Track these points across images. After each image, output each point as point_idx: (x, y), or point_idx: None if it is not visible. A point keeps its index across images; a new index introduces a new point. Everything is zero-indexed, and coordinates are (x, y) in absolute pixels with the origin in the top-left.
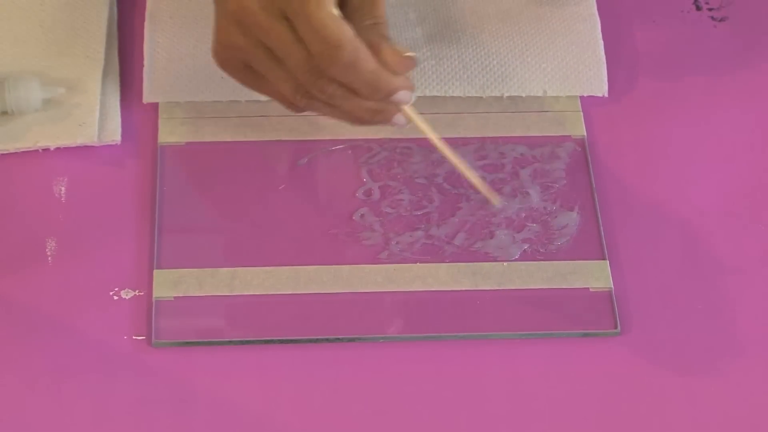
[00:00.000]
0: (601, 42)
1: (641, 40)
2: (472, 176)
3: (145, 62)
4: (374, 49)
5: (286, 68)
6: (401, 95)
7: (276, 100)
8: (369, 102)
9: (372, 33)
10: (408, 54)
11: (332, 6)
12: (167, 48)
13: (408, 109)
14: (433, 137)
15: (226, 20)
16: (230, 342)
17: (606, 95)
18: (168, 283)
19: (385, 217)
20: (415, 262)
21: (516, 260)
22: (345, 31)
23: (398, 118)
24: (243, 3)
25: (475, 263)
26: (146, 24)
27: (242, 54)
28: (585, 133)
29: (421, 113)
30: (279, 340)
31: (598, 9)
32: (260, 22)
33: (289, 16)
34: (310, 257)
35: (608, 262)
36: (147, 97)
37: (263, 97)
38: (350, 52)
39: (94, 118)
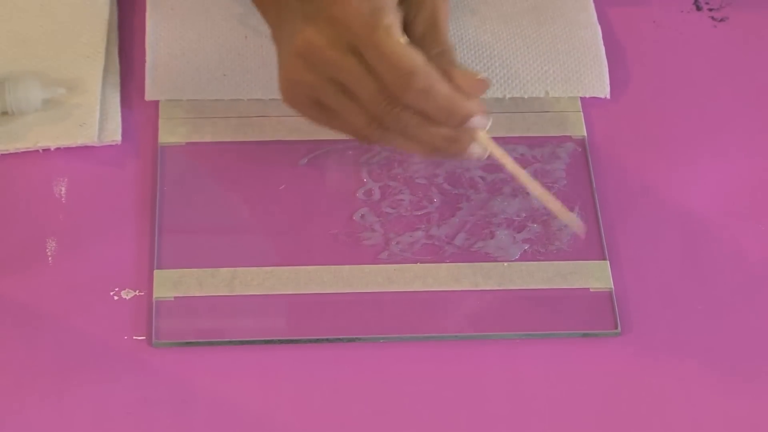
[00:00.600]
0: (602, 46)
1: (642, 40)
2: (555, 205)
3: (147, 57)
4: (446, 75)
5: (358, 101)
6: (477, 120)
7: (348, 134)
8: (444, 129)
9: (441, 61)
10: (480, 77)
11: (400, 34)
12: (169, 42)
13: (483, 135)
14: (512, 166)
15: (292, 57)
16: (230, 342)
17: (607, 96)
18: (168, 283)
19: (385, 217)
20: (416, 263)
21: (516, 260)
22: (416, 58)
23: (474, 147)
24: (310, 39)
25: (475, 263)
26: (148, 17)
27: (311, 90)
28: (585, 134)
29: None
30: (279, 340)
31: (599, 8)
32: (329, 58)
33: (358, 49)
34: (310, 257)
35: (608, 262)
36: (149, 95)
37: (264, 96)
38: (424, 77)
39: (94, 119)
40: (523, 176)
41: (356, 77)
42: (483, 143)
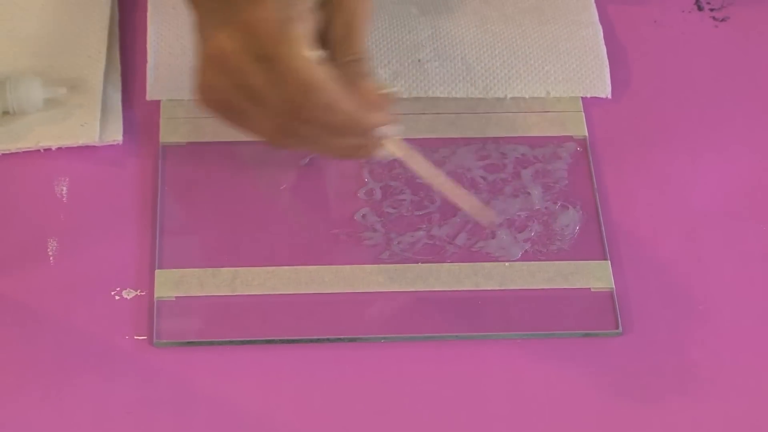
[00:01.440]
0: (603, 46)
1: (642, 40)
2: (465, 200)
3: (149, 57)
4: (353, 87)
5: (265, 109)
6: (383, 130)
7: (258, 138)
8: (349, 140)
9: (351, 69)
10: (386, 91)
11: (305, 48)
12: (171, 42)
13: (392, 142)
14: (419, 166)
15: (204, 62)
16: (231, 342)
17: (609, 96)
18: (169, 283)
19: (386, 217)
20: (417, 262)
21: (517, 260)
22: (317, 74)
23: (380, 155)
24: (220, 45)
25: (476, 263)
26: (149, 16)
27: (222, 95)
28: (586, 134)
29: (407, 142)
30: (280, 340)
31: (601, 9)
32: (237, 65)
33: (264, 59)
34: (311, 257)
35: (610, 262)
36: (150, 95)
37: None
38: (324, 95)
39: (95, 118)
40: (433, 175)
41: (262, 86)
42: (390, 149)
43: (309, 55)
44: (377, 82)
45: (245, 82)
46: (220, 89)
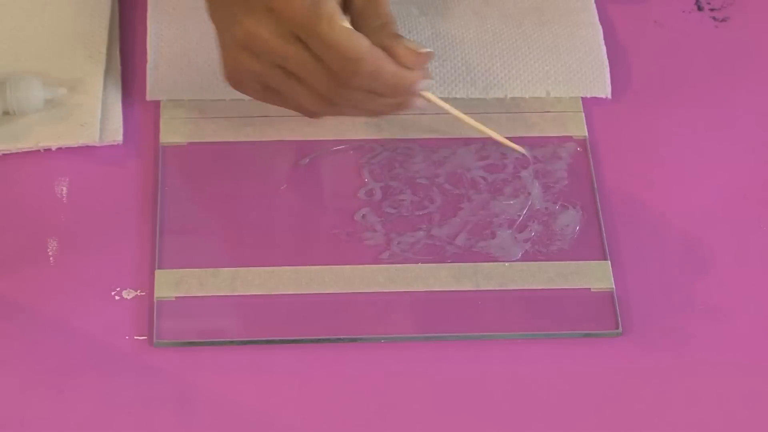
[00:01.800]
0: (603, 46)
1: (643, 40)
2: (497, 135)
3: (149, 57)
4: (390, 51)
5: (306, 85)
6: (421, 84)
7: (296, 111)
8: (391, 99)
9: (383, 34)
10: (423, 50)
11: (342, 20)
12: (170, 42)
13: (426, 93)
14: (453, 110)
15: (234, 48)
16: (231, 342)
17: (609, 96)
18: (169, 283)
19: (386, 217)
20: (417, 263)
21: (517, 260)
22: (362, 43)
23: (415, 105)
24: (252, 30)
25: (476, 263)
26: (149, 16)
27: (258, 77)
28: (586, 134)
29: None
30: (280, 340)
31: (601, 9)
32: (274, 48)
33: (302, 38)
34: (311, 257)
35: (610, 262)
36: (150, 95)
37: None
38: (371, 62)
39: (95, 119)
40: (465, 118)
41: (303, 65)
42: (427, 99)
43: (347, 25)
44: (411, 43)
45: (286, 63)
46: (257, 72)
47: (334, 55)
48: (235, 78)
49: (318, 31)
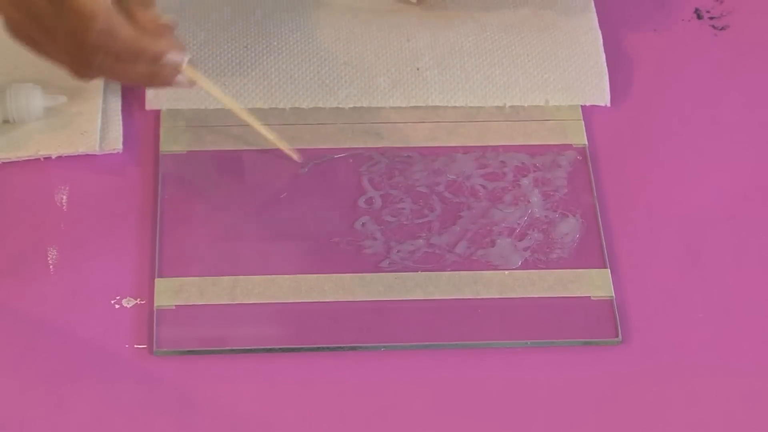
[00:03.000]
0: (603, 54)
1: (642, 48)
2: (270, 134)
3: None
4: (131, 16)
5: (57, 41)
6: (172, 56)
7: (62, 68)
8: (140, 66)
9: (132, 1)
10: (162, 21)
11: None
12: None
13: (189, 69)
14: (221, 97)
15: None
16: (231, 351)
17: (608, 104)
18: (169, 292)
19: (386, 225)
20: (417, 271)
21: (517, 269)
22: (97, 4)
23: (179, 82)
24: None
25: (476, 272)
26: None
27: (23, 28)
28: (586, 142)
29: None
30: (280, 348)
31: (600, 17)
32: (30, 0)
33: None
34: (311, 266)
35: (609, 270)
36: (150, 104)
37: (265, 105)
38: (104, 20)
39: (95, 127)
40: (235, 107)
41: (49, 18)
42: (188, 75)
43: None
44: (154, 12)
45: (37, 17)
46: (20, 23)
47: (70, 11)
48: (7, 26)
49: None
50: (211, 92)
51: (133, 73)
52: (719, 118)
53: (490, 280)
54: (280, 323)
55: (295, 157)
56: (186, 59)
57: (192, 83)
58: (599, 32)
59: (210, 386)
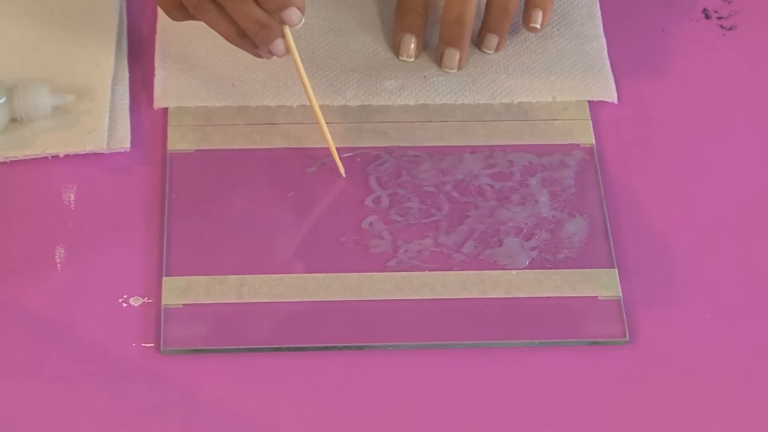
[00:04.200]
0: (608, 61)
1: (650, 48)
2: (329, 138)
3: (156, 65)
4: None
5: None
6: (291, 13)
7: (163, 8)
8: (259, 12)
9: None
10: None
11: None
12: (178, 48)
13: (288, 34)
14: (305, 82)
15: None
16: (238, 349)
17: (616, 101)
18: (177, 291)
19: (393, 225)
20: (424, 270)
21: (524, 268)
22: None
23: (277, 45)
24: None
25: (483, 271)
26: (157, 36)
27: None
28: (594, 142)
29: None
30: (287, 347)
31: (608, 17)
32: None
33: None
34: (318, 265)
35: (617, 270)
36: (158, 102)
37: (272, 103)
38: None
39: (103, 126)
40: (311, 96)
41: None
42: (288, 44)
43: None
44: None
45: None
46: None
47: None
48: None
49: None
50: (298, 70)
51: (247, 16)
52: (727, 118)
53: (497, 279)
54: (287, 322)
55: (341, 171)
56: (302, 23)
57: (284, 53)
58: (604, 43)
59: (217, 385)
